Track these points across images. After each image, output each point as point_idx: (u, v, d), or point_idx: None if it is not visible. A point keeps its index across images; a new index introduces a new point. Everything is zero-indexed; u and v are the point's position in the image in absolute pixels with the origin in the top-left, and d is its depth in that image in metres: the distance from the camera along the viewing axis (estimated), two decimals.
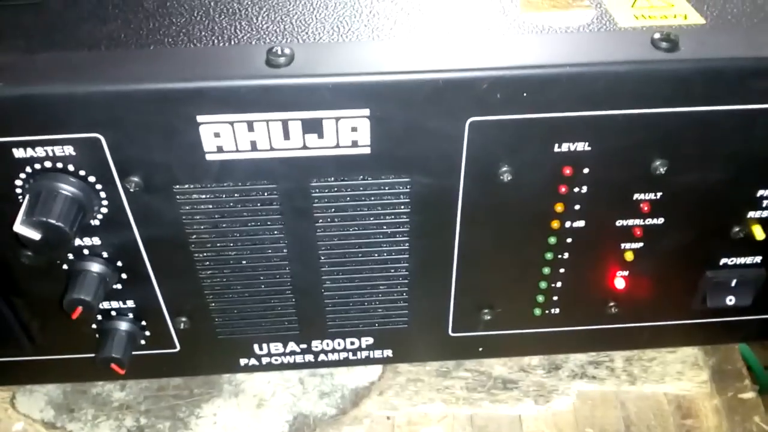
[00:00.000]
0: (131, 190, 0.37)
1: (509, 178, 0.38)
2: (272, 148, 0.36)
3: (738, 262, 0.45)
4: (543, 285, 0.45)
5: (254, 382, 0.53)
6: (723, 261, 0.45)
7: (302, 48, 0.35)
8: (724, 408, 0.53)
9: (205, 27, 0.38)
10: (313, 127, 0.35)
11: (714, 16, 0.39)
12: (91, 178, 0.37)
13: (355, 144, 0.36)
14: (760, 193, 0.41)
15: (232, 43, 0.36)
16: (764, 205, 0.41)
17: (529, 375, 0.54)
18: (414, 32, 0.37)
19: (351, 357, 0.49)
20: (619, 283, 0.45)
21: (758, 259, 0.45)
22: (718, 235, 0.43)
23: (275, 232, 0.40)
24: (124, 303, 0.43)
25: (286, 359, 0.48)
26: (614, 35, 0.37)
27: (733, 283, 0.46)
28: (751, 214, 0.42)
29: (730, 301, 0.46)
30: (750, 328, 0.50)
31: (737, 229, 0.43)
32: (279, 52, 0.34)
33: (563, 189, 0.39)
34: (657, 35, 0.36)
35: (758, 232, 0.42)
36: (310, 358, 0.49)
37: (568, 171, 0.39)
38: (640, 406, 0.53)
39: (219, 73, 0.34)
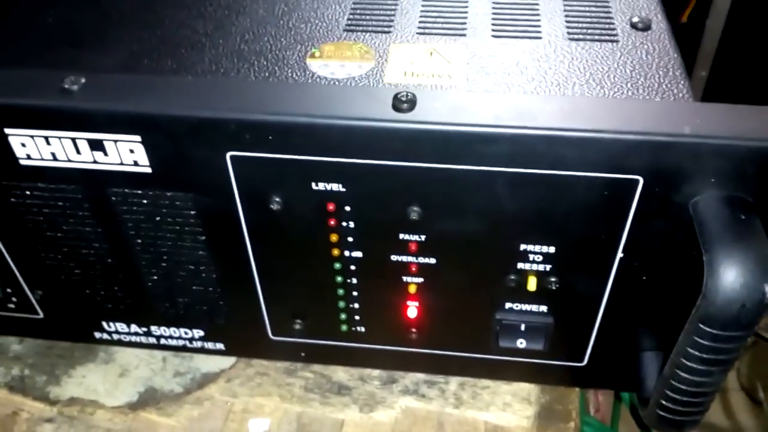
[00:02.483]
0: None
1: (279, 208, 0.43)
2: (69, 160, 0.42)
3: (524, 308, 0.47)
4: (342, 304, 0.49)
5: (125, 353, 0.61)
6: (508, 305, 0.47)
7: (95, 78, 0.41)
8: None
9: (37, 52, 0.45)
10: (97, 146, 0.41)
11: (478, 79, 0.41)
12: None
13: (136, 164, 0.42)
14: (524, 247, 0.43)
15: (49, 68, 0.43)
16: (531, 258, 0.44)
17: (365, 384, 0.59)
18: (206, 72, 0.43)
19: (189, 345, 0.55)
20: (411, 312, 0.48)
21: (543, 308, 0.47)
22: (495, 281, 0.46)
23: (93, 229, 0.47)
24: None
25: (133, 338, 0.55)
26: (364, 90, 0.40)
27: (523, 327, 0.48)
28: (521, 265, 0.44)
29: (521, 344, 0.49)
30: (561, 372, 0.52)
31: (513, 277, 0.45)
32: (72, 80, 0.41)
33: (332, 222, 0.44)
34: (401, 95, 0.39)
35: (530, 284, 0.45)
36: (152, 340, 0.55)
37: (332, 207, 0.43)
38: (458, 429, 0.56)
39: (18, 94, 0.40)
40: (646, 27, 0.46)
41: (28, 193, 0.45)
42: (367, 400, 0.57)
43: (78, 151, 0.42)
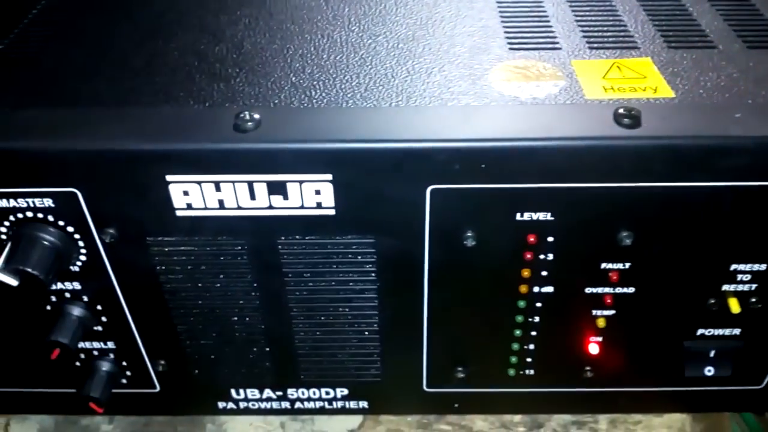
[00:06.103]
0: (107, 240, 0.39)
1: (473, 244, 0.39)
2: (239, 207, 0.37)
3: (716, 333, 0.44)
4: (515, 346, 0.45)
5: (236, 423, 0.54)
6: (700, 331, 0.44)
7: (270, 112, 0.36)
8: None
9: (183, 87, 0.40)
10: (278, 189, 0.36)
11: (685, 90, 0.39)
12: (70, 228, 0.38)
13: (319, 206, 0.37)
14: (734, 267, 0.40)
15: (207, 104, 0.38)
16: (739, 279, 0.41)
17: None
18: (384, 100, 0.38)
19: (327, 406, 0.49)
20: (593, 349, 0.45)
21: (736, 331, 0.44)
22: (694, 306, 0.42)
23: (246, 284, 0.41)
24: (105, 344, 0.45)
25: (263, 405, 0.49)
26: (577, 108, 0.37)
27: (712, 354, 0.45)
28: (726, 287, 0.41)
29: (709, 371, 0.45)
30: (734, 397, 0.49)
31: (713, 301, 0.42)
32: (246, 117, 0.36)
33: (529, 255, 0.40)
34: (620, 110, 0.36)
35: (734, 306, 0.42)
36: (286, 405, 0.49)
37: (532, 239, 0.39)
38: None
39: (187, 136, 0.35)
40: None
41: (175, 249, 0.40)
42: None
43: (253, 196, 0.37)
